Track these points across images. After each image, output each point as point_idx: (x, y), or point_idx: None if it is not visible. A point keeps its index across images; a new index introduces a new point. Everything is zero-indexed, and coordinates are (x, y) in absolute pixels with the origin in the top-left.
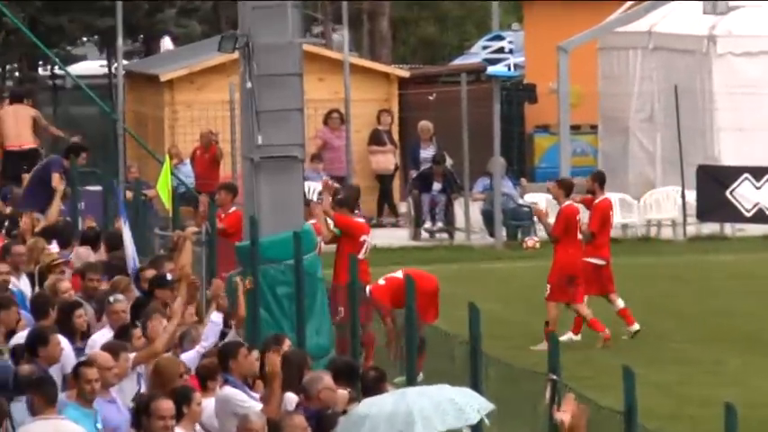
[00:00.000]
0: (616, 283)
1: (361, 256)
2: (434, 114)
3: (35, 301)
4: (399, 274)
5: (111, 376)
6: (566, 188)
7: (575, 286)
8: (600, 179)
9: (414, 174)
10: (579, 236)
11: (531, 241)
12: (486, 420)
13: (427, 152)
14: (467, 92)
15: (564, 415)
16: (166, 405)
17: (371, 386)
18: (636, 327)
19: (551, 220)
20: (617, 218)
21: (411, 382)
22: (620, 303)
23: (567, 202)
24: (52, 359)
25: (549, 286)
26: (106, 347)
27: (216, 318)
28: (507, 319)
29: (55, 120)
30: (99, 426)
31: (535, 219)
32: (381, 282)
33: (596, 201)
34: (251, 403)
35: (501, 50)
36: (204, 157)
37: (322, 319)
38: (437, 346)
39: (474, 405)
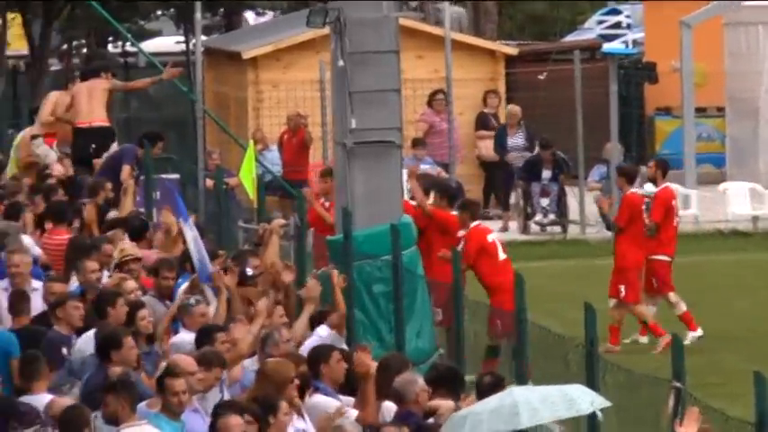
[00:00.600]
0: (749, 278)
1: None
2: (545, 95)
3: (96, 299)
4: None
5: (195, 382)
6: (628, 176)
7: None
8: (663, 167)
9: (519, 162)
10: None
11: None
12: (599, 415)
13: (515, 139)
14: (581, 71)
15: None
16: (235, 421)
17: (487, 393)
18: (699, 332)
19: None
20: (747, 209)
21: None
22: (683, 306)
23: (632, 190)
24: (126, 363)
25: (622, 288)
26: (199, 358)
27: (323, 332)
28: (627, 320)
29: (127, 102)
30: None
31: None
32: None
33: (657, 190)
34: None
35: (618, 25)
36: (292, 142)
37: (423, 320)
38: (549, 349)
39: (587, 398)
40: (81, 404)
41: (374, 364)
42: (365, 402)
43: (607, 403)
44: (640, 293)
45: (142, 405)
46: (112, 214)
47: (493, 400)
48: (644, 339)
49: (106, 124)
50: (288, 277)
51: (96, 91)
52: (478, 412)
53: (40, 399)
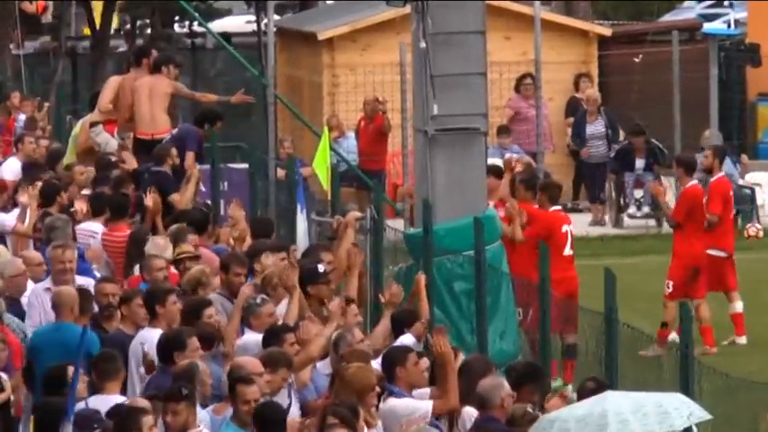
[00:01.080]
0: None
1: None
2: (640, 79)
3: (146, 297)
4: None
5: (263, 384)
6: (686, 166)
7: (696, 281)
8: (721, 154)
9: (601, 151)
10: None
11: (753, 229)
12: (695, 430)
13: (595, 127)
14: (679, 53)
15: None
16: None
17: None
18: (743, 340)
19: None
20: None
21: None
22: (739, 306)
23: (692, 182)
24: None
25: (670, 283)
26: (265, 358)
27: (407, 340)
28: (724, 321)
29: (193, 88)
30: None
31: (759, 202)
32: None
33: (712, 179)
34: (423, 410)
35: (719, 4)
36: (369, 129)
37: (507, 320)
38: (640, 350)
39: (683, 411)
40: (140, 407)
41: (451, 350)
42: (444, 388)
43: (706, 416)
44: (705, 291)
45: (208, 410)
46: (175, 197)
47: (583, 406)
48: (742, 340)
49: (168, 136)
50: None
51: (158, 95)
52: (565, 419)
53: (110, 399)
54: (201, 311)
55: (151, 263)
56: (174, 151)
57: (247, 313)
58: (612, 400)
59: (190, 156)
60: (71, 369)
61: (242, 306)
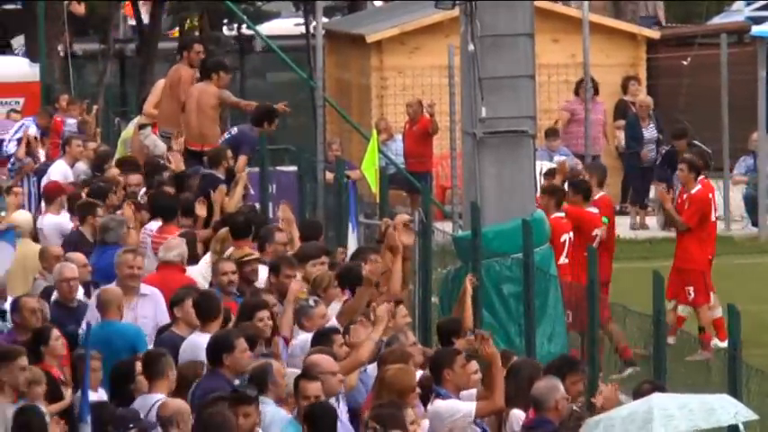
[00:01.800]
0: None
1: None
2: (688, 82)
3: (200, 301)
4: None
5: (335, 384)
6: (698, 170)
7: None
8: (695, 169)
9: (652, 155)
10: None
11: None
12: (741, 428)
13: (648, 132)
14: (727, 56)
15: None
16: None
17: None
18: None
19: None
20: None
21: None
22: (719, 312)
23: (698, 187)
24: (239, 368)
25: (690, 289)
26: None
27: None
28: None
29: (242, 90)
30: None
31: None
32: None
33: (692, 191)
34: (464, 411)
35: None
36: (413, 131)
37: (555, 322)
38: (687, 353)
39: (730, 410)
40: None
41: (496, 351)
42: (490, 389)
43: (753, 416)
44: (710, 295)
45: (273, 406)
46: (217, 198)
47: (629, 407)
48: (725, 344)
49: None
50: (407, 239)
51: (205, 108)
52: (612, 417)
53: (153, 398)
54: (255, 313)
55: (219, 266)
56: (228, 153)
57: (300, 315)
58: (658, 399)
59: (242, 159)
60: (139, 364)
61: (293, 303)
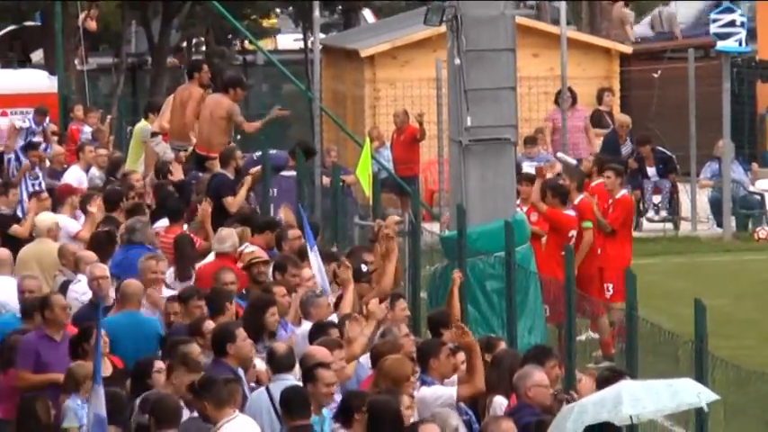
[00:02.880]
0: None
1: None
2: (659, 93)
3: (210, 296)
4: None
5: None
6: (621, 176)
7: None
8: (599, 163)
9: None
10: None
11: (763, 232)
12: (705, 407)
13: (624, 148)
14: (695, 69)
15: None
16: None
17: (605, 386)
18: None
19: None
20: None
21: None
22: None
23: (622, 192)
24: (242, 356)
25: (610, 286)
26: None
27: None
28: (736, 317)
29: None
30: None
31: None
32: None
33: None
34: (447, 395)
35: (732, 24)
36: (400, 139)
37: (535, 316)
38: (659, 345)
39: (694, 391)
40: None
41: (473, 340)
42: (470, 373)
43: (715, 396)
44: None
45: (258, 392)
46: (229, 200)
47: (601, 392)
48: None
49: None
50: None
51: (215, 119)
52: (584, 403)
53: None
54: (266, 309)
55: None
56: (238, 153)
57: (306, 305)
58: (627, 384)
59: (256, 169)
60: (158, 363)
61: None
